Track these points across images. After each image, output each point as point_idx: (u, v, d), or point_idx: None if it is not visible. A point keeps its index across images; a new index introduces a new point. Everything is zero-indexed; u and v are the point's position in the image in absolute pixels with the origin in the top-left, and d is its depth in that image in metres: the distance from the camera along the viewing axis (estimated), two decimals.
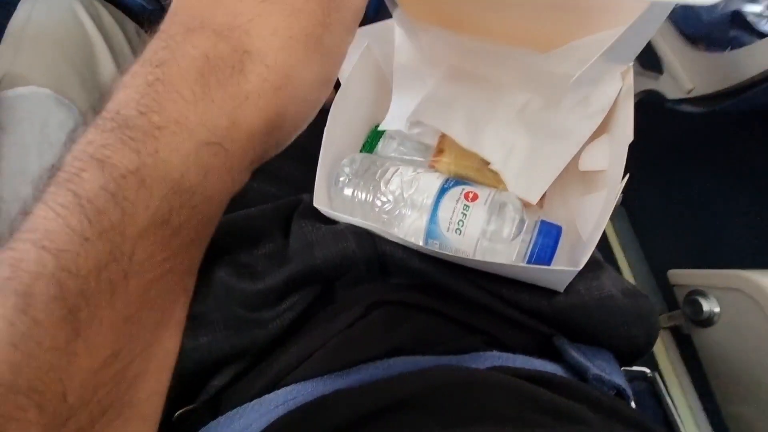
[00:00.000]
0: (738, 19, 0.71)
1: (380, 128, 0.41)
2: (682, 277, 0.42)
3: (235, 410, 0.30)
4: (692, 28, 0.75)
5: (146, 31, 0.61)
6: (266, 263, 0.35)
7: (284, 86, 0.19)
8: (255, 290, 0.33)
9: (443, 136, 0.41)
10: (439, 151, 0.40)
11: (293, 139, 0.21)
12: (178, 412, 0.31)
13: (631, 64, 0.33)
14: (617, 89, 0.34)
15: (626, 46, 0.29)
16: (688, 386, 0.49)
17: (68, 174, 0.16)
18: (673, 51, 0.76)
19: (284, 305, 0.34)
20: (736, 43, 0.71)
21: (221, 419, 0.29)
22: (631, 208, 0.78)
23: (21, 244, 0.15)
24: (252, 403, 0.30)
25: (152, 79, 0.18)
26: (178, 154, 0.17)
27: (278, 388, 0.31)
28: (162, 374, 0.19)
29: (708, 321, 0.39)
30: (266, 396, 0.30)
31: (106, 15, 0.57)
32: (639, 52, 0.31)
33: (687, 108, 0.74)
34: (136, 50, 0.60)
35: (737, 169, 0.77)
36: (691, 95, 0.74)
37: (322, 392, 0.29)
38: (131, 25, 0.62)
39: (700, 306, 0.40)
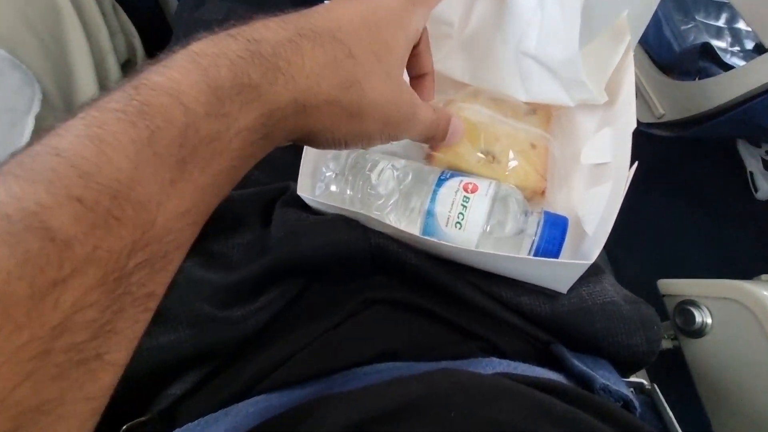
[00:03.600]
0: (707, 51, 0.73)
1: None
2: (673, 286, 0.40)
3: (196, 422, 0.24)
4: (664, 57, 0.76)
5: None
6: (242, 253, 0.30)
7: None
8: (227, 283, 0.28)
9: None
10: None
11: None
12: (126, 425, 0.25)
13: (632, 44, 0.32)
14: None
15: None
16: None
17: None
18: (646, 78, 0.77)
19: (260, 302, 0.28)
20: (704, 74, 0.72)
21: None
22: None
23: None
24: (217, 413, 0.25)
25: None
26: None
27: (249, 397, 0.25)
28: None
29: (700, 331, 0.38)
30: (235, 405, 0.25)
31: None
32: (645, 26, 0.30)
33: (657, 132, 0.75)
34: (109, 24, 0.54)
35: (701, 191, 0.79)
36: (662, 120, 0.74)
37: (302, 400, 0.23)
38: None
39: (692, 316, 0.38)
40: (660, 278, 0.52)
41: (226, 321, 0.27)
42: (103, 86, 0.51)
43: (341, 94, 0.22)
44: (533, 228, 0.29)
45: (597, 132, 0.34)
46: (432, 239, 0.28)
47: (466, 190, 0.30)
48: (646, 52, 0.78)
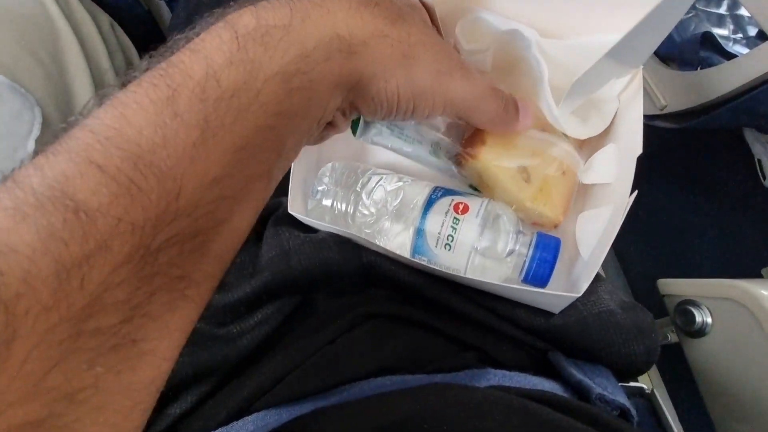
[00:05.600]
0: (708, 40, 0.71)
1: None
2: (673, 286, 0.39)
3: None
4: (665, 47, 0.75)
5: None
6: (236, 273, 0.30)
7: None
8: (222, 302, 0.28)
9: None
10: (480, 141, 0.29)
11: None
12: None
13: (641, 68, 0.30)
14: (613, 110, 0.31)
15: (635, 47, 0.26)
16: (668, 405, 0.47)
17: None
18: (647, 69, 0.76)
19: (256, 318, 0.29)
20: (706, 63, 0.71)
21: None
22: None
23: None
24: (218, 430, 0.25)
25: None
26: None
27: (249, 414, 0.26)
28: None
29: (700, 332, 0.37)
30: (234, 423, 0.25)
31: (76, 4, 0.51)
32: (650, 54, 0.29)
33: (661, 124, 0.73)
34: (108, 43, 0.55)
35: (707, 182, 0.77)
36: (665, 112, 0.73)
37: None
38: (105, 17, 0.56)
39: (693, 316, 0.38)
40: (668, 271, 0.51)
41: (223, 338, 0.28)
42: None
43: (388, 28, 0.19)
44: (525, 249, 0.29)
45: (600, 147, 0.32)
46: (422, 260, 0.28)
47: (456, 210, 0.29)
48: None
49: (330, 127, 0.22)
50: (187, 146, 0.14)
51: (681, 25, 0.76)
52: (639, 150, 0.28)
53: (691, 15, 0.80)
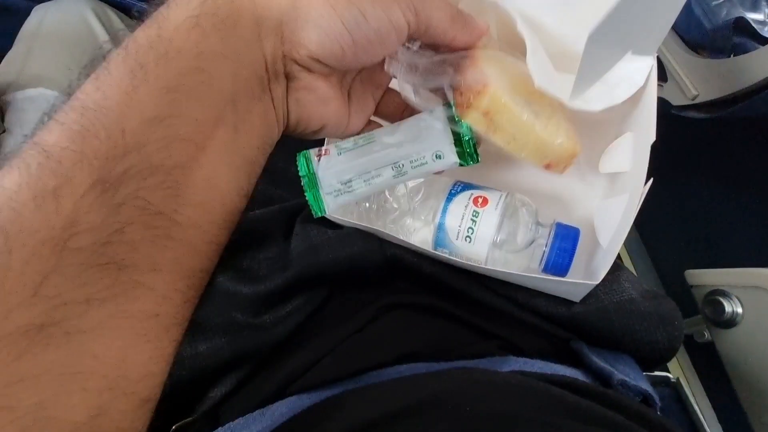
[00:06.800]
0: (741, 26, 0.69)
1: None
2: (701, 276, 0.39)
3: (236, 421, 0.27)
4: (695, 35, 0.73)
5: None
6: (269, 267, 0.32)
7: None
8: (256, 294, 0.30)
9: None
10: (483, 82, 0.25)
11: None
12: (175, 425, 0.28)
13: (654, 57, 0.30)
14: (648, 67, 0.30)
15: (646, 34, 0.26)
16: (702, 398, 0.46)
17: None
18: (675, 59, 0.74)
19: (288, 308, 0.31)
20: (739, 50, 0.68)
21: (222, 431, 0.26)
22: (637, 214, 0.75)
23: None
24: (255, 413, 0.27)
25: None
26: None
27: (284, 397, 0.27)
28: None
29: (730, 322, 0.36)
30: (271, 405, 0.27)
31: (117, 21, 0.55)
32: (660, 41, 0.29)
33: (692, 114, 0.71)
34: None
35: (741, 173, 0.74)
36: (696, 101, 0.71)
37: None
38: None
39: (722, 306, 0.37)
40: (698, 262, 0.50)
41: (258, 327, 0.30)
42: None
43: None
44: (544, 239, 0.29)
45: (616, 134, 0.33)
46: (443, 252, 0.29)
47: (475, 203, 0.30)
48: (675, 31, 0.74)
49: (310, 93, 0.23)
50: (121, 93, 0.17)
51: (711, 12, 0.73)
52: (653, 138, 0.28)
53: (722, 0, 0.77)
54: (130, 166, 0.17)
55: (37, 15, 0.52)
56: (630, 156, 0.31)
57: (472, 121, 0.26)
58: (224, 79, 0.19)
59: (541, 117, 0.28)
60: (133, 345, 0.17)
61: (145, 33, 0.18)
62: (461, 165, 0.27)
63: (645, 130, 0.29)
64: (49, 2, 0.53)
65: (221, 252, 0.22)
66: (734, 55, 0.68)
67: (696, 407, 0.30)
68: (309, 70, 0.23)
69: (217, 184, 0.20)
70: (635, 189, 0.28)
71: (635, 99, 0.32)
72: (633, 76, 0.31)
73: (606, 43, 0.24)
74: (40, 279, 0.15)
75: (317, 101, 0.24)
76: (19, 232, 0.15)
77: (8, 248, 0.15)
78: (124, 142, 0.17)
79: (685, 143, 0.74)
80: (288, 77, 0.23)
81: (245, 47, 0.20)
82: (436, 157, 0.26)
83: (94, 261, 0.16)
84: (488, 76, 0.25)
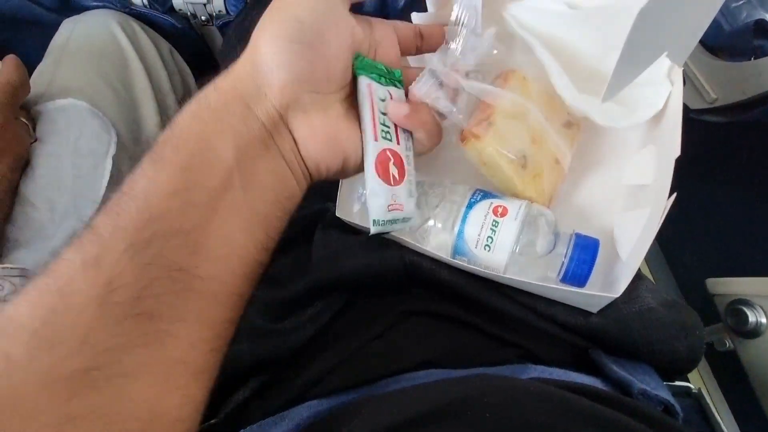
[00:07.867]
0: (761, 28, 0.67)
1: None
2: (724, 285, 0.38)
3: (258, 424, 0.27)
4: (713, 38, 0.71)
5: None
6: (290, 272, 0.32)
7: None
8: (278, 299, 0.31)
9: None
10: (487, 122, 0.30)
11: None
12: (200, 427, 0.28)
13: (681, 68, 0.30)
14: (666, 92, 0.30)
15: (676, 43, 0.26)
16: (723, 408, 0.45)
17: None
18: (693, 61, 0.73)
19: (308, 314, 0.31)
20: (760, 53, 0.67)
21: None
22: None
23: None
24: (275, 417, 0.28)
25: None
26: None
27: (304, 401, 0.28)
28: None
29: (755, 332, 0.36)
30: (292, 409, 0.28)
31: (141, 34, 0.57)
32: (690, 50, 0.28)
33: (710, 118, 0.70)
34: (168, 67, 0.60)
35: (761, 179, 0.72)
36: (715, 105, 0.70)
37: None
38: (165, 44, 0.62)
39: (746, 316, 0.36)
40: (719, 271, 0.49)
41: (279, 332, 0.30)
42: (165, 125, 0.57)
43: None
44: (563, 249, 0.29)
45: (639, 149, 0.33)
46: (462, 260, 0.29)
47: (495, 213, 0.30)
48: None
49: (315, 137, 0.26)
50: (147, 179, 0.21)
51: (730, 14, 0.72)
52: (677, 152, 0.28)
53: (742, 2, 0.76)
54: (155, 232, 0.20)
55: (66, 29, 0.54)
56: (652, 169, 0.30)
57: (468, 150, 0.31)
58: (227, 151, 0.23)
59: (528, 170, 0.32)
60: (164, 390, 0.19)
61: (163, 134, 0.23)
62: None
63: (669, 143, 0.29)
64: (77, 16, 0.55)
65: (245, 304, 0.24)
66: (755, 58, 0.66)
67: (718, 418, 0.29)
68: (303, 110, 0.25)
69: (233, 239, 0.22)
70: (658, 203, 0.28)
71: (660, 112, 0.32)
72: (654, 98, 0.31)
73: (653, 23, 0.24)
74: (88, 330, 0.18)
75: (325, 140, 0.26)
76: (71, 294, 0.19)
77: (64, 305, 0.18)
78: (149, 214, 0.20)
79: (704, 148, 0.72)
80: (291, 130, 0.25)
81: (240, 121, 0.23)
82: None
83: (129, 312, 0.19)
84: (488, 127, 0.30)
